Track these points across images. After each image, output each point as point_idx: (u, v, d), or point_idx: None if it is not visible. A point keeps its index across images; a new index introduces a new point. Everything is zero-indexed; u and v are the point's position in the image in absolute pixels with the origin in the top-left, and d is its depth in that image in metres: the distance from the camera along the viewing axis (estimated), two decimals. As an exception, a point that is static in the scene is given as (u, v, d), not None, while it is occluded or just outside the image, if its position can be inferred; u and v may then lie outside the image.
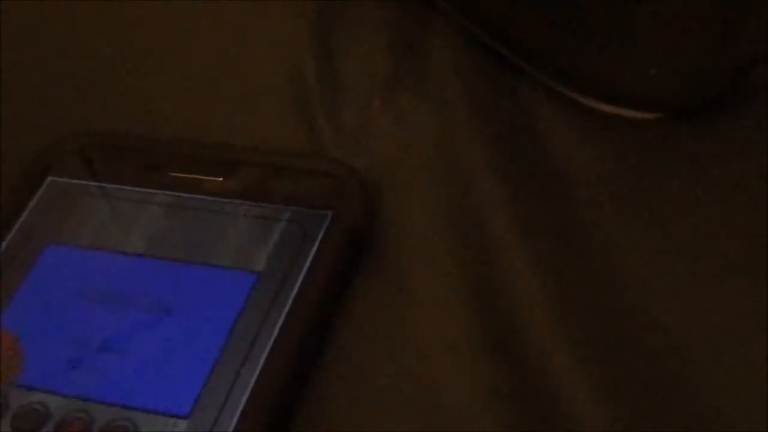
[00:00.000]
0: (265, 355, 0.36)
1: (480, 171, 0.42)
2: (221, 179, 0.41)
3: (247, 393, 0.35)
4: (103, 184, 0.41)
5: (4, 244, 0.40)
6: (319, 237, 0.39)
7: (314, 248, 0.38)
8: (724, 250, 0.39)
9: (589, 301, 0.38)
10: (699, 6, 0.39)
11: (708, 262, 0.39)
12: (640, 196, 0.41)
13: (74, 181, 0.41)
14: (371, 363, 0.37)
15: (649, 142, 0.42)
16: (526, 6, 0.42)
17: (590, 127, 0.43)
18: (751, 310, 0.37)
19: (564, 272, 0.39)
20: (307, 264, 0.38)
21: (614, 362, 0.36)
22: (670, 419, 0.35)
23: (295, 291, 0.37)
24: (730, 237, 0.39)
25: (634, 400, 0.35)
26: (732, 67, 0.41)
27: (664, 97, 0.42)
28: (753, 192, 0.40)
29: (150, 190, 0.41)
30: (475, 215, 0.40)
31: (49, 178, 0.42)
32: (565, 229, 0.40)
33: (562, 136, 0.43)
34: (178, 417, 0.35)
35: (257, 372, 0.35)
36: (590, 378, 0.36)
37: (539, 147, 0.43)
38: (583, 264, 0.39)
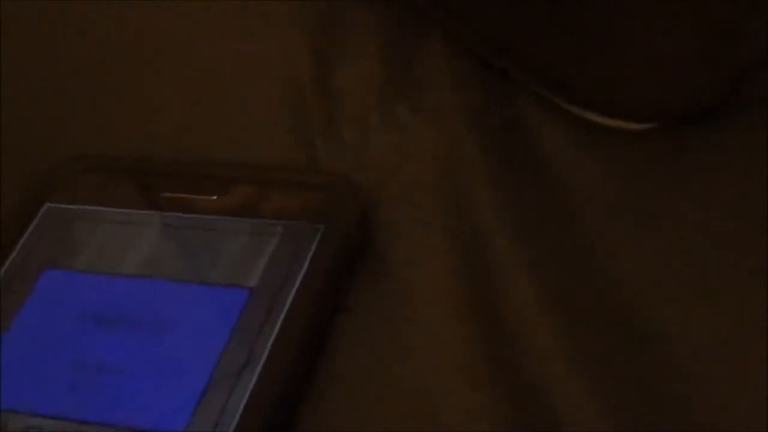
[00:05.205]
0: (258, 371, 0.36)
1: (477, 181, 0.41)
2: (214, 197, 0.41)
3: (241, 408, 0.35)
4: (98, 208, 0.42)
5: (3, 269, 0.40)
6: (312, 250, 0.39)
7: (306, 262, 0.38)
8: (723, 258, 0.38)
9: (589, 309, 0.38)
10: (697, 14, 0.39)
11: (707, 270, 0.38)
12: (638, 206, 0.40)
13: (70, 206, 0.42)
14: (365, 375, 0.37)
15: (648, 152, 0.42)
16: (521, 16, 0.42)
17: (588, 138, 0.42)
18: (749, 318, 0.37)
19: (562, 280, 0.38)
20: (300, 278, 0.38)
21: (614, 369, 0.36)
22: (670, 424, 0.35)
23: (287, 305, 0.37)
24: (729, 246, 0.39)
25: (635, 406, 0.35)
26: (731, 75, 0.41)
27: (663, 108, 0.42)
28: (752, 200, 0.40)
29: (144, 212, 0.41)
30: (471, 226, 0.40)
31: (47, 205, 0.42)
32: (563, 238, 0.40)
33: (560, 147, 0.42)
34: (172, 434, 0.35)
35: (251, 388, 0.36)
36: (590, 385, 0.36)
37: (536, 158, 0.42)
38: (582, 273, 0.39)
